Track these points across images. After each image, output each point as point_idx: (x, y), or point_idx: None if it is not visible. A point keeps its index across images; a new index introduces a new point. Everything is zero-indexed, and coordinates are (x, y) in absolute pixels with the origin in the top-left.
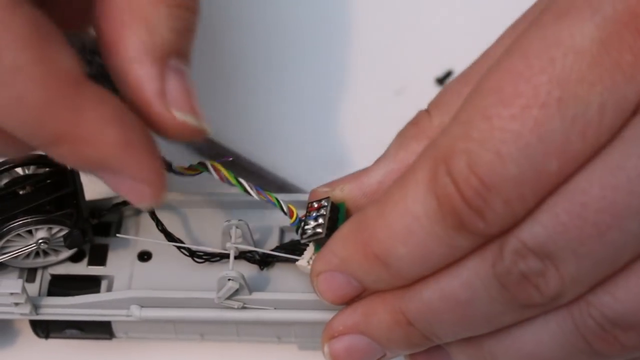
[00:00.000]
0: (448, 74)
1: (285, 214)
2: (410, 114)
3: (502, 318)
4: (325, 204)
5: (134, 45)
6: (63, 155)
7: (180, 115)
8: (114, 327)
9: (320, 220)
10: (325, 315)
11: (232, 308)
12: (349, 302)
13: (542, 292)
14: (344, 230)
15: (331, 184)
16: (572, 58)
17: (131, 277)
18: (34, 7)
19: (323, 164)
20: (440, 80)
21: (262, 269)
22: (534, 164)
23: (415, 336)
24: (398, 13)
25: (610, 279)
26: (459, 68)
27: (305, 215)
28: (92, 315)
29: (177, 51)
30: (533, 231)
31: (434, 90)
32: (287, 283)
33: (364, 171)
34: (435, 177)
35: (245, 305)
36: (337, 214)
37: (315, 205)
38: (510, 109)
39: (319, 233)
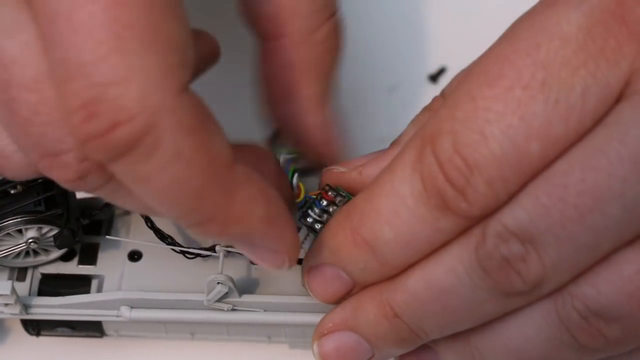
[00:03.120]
0: (441, 70)
1: (292, 188)
2: (404, 111)
3: (485, 308)
4: (339, 201)
5: (312, 94)
6: (209, 233)
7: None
8: (105, 325)
9: (325, 217)
10: (315, 318)
11: (222, 310)
12: (339, 299)
13: (524, 278)
14: (334, 221)
15: (347, 164)
16: (558, 43)
17: (121, 277)
18: (194, 92)
19: None
20: (433, 77)
21: (253, 263)
22: (516, 145)
23: (403, 330)
24: (390, 10)
25: (592, 270)
26: (452, 65)
27: (316, 198)
28: (83, 315)
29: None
30: (514, 214)
31: (427, 87)
32: (277, 285)
33: (381, 154)
34: (420, 157)
35: (235, 308)
36: None
37: (331, 195)
38: (493, 89)
39: (315, 230)
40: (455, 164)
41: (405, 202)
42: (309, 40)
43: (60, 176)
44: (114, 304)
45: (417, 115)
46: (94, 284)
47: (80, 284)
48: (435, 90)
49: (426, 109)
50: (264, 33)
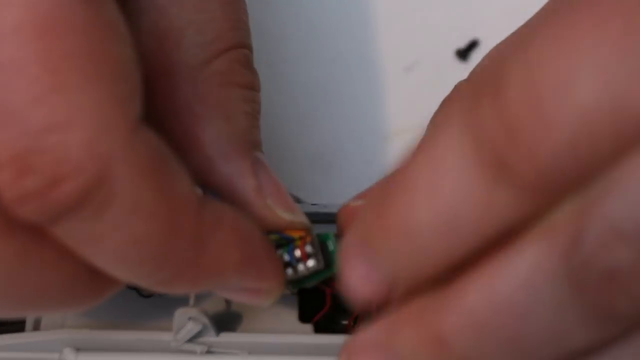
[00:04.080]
0: (472, 44)
1: None
2: (424, 97)
3: (571, 338)
4: (311, 267)
5: (214, 138)
6: (177, 291)
7: (287, 215)
8: None
9: (290, 271)
10: None
11: (195, 353)
12: (377, 306)
13: (634, 299)
14: (367, 202)
15: (366, 195)
16: None
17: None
18: (149, 127)
19: (319, 155)
20: (462, 54)
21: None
22: (614, 93)
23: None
24: None
25: None
26: (485, 37)
27: (294, 242)
28: None
29: (255, 140)
30: (627, 201)
31: (455, 66)
32: (264, 320)
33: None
34: (476, 108)
35: (211, 350)
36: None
37: (308, 250)
38: (582, 24)
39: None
40: (522, 115)
41: (449, 170)
42: (200, 74)
43: None
44: (55, 345)
45: (440, 110)
46: (30, 319)
47: (12, 320)
48: (465, 70)
49: (447, 100)
50: (146, 74)
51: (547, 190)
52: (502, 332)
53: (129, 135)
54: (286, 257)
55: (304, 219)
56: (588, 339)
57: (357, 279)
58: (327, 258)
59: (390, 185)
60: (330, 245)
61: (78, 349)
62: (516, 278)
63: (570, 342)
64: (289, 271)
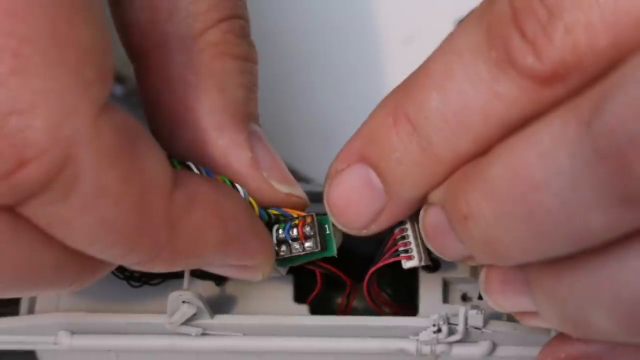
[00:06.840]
0: None
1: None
2: None
3: (588, 219)
4: (308, 247)
5: (208, 109)
6: (157, 269)
7: (283, 188)
8: (40, 356)
9: (284, 248)
10: (309, 343)
11: (190, 335)
12: (368, 222)
13: None
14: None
15: None
16: None
17: (59, 295)
18: (120, 109)
19: (318, 128)
20: None
21: (217, 285)
22: None
23: (472, 239)
24: None
25: None
26: None
27: (292, 221)
28: (10, 343)
29: (252, 112)
30: None
31: None
32: (259, 302)
33: None
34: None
35: (206, 332)
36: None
37: (307, 231)
38: None
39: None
40: (532, 5)
41: (461, 58)
42: (194, 45)
43: None
44: (50, 329)
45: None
46: (24, 304)
47: (7, 303)
48: None
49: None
50: (139, 47)
51: (546, 80)
52: (521, 206)
53: (94, 119)
54: (282, 234)
55: (301, 193)
56: (605, 224)
57: (349, 189)
58: (323, 241)
59: (407, 81)
60: (327, 229)
61: (73, 332)
62: (538, 148)
63: (586, 226)
64: (283, 248)
